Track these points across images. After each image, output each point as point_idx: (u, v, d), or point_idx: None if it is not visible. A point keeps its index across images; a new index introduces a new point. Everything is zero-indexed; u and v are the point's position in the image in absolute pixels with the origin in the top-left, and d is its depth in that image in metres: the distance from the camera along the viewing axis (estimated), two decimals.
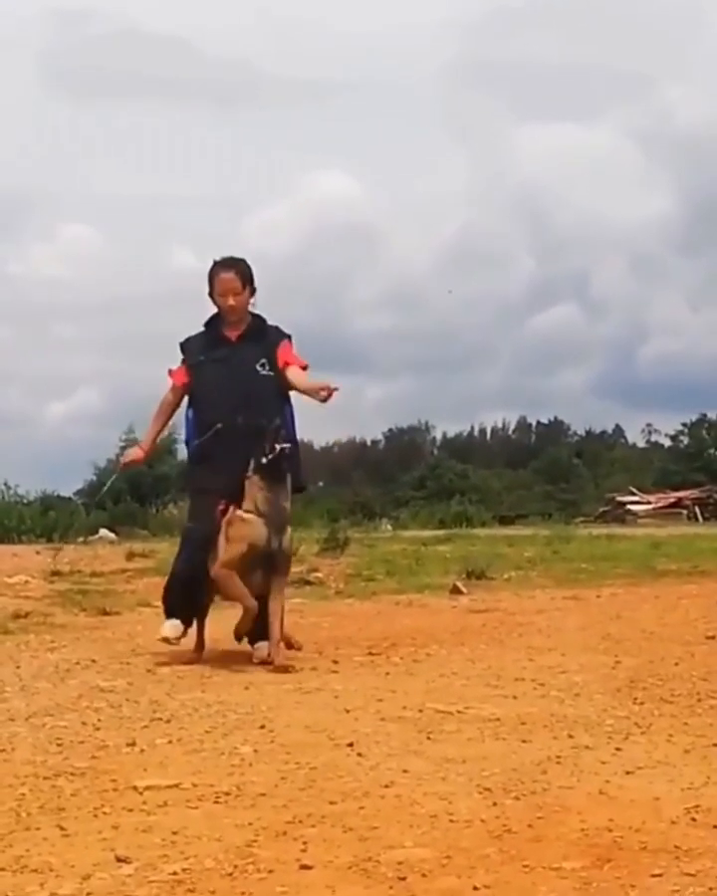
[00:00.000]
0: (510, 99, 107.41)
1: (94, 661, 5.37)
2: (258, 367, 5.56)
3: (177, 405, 5.82)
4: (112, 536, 19.62)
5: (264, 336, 5.67)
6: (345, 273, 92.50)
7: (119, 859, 2.48)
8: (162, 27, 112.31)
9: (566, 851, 2.49)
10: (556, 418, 75.22)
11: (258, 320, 5.74)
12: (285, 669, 5.04)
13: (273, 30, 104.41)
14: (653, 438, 67.48)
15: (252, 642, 5.52)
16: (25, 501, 24.74)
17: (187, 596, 5.50)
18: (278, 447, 5.22)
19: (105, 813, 2.84)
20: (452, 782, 3.08)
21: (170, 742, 3.61)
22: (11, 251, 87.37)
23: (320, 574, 10.40)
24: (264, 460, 5.23)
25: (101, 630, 6.76)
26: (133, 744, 3.58)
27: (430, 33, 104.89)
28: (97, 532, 20.15)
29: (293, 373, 5.56)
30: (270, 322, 5.76)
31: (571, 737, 3.60)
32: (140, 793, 3.00)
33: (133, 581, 9.95)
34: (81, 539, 18.58)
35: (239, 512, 5.30)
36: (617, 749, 3.44)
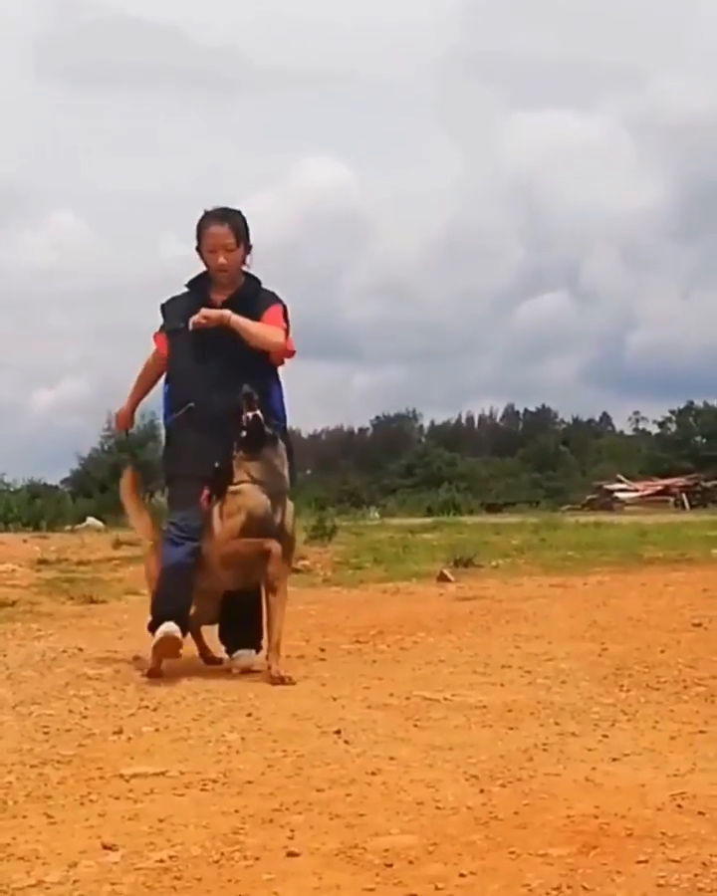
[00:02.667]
0: (503, 88, 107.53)
1: (81, 649, 5.36)
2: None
3: (160, 373, 5.09)
4: (99, 524, 19.57)
5: (254, 303, 4.91)
6: (336, 262, 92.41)
7: (105, 847, 2.48)
8: (154, 15, 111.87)
9: (552, 838, 2.49)
10: (543, 406, 75.37)
11: (252, 282, 4.99)
12: (282, 680, 4.43)
13: (265, 18, 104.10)
14: (641, 426, 67.66)
15: (230, 649, 4.96)
16: (11, 489, 24.73)
17: (184, 597, 4.74)
18: (251, 414, 4.65)
19: (91, 801, 2.84)
20: (439, 769, 3.08)
21: (157, 730, 3.61)
22: (0, 239, 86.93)
23: (307, 562, 10.41)
24: (243, 434, 4.70)
25: (87, 618, 6.76)
26: (120, 732, 3.57)
27: (424, 22, 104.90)
28: (84, 520, 20.14)
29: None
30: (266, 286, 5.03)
31: (557, 724, 3.61)
32: (127, 781, 3.00)
33: (120, 570, 9.94)
34: (68, 527, 18.57)
35: (231, 487, 4.73)
36: (604, 736, 3.45)
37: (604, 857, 2.37)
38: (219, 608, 4.99)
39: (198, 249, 4.95)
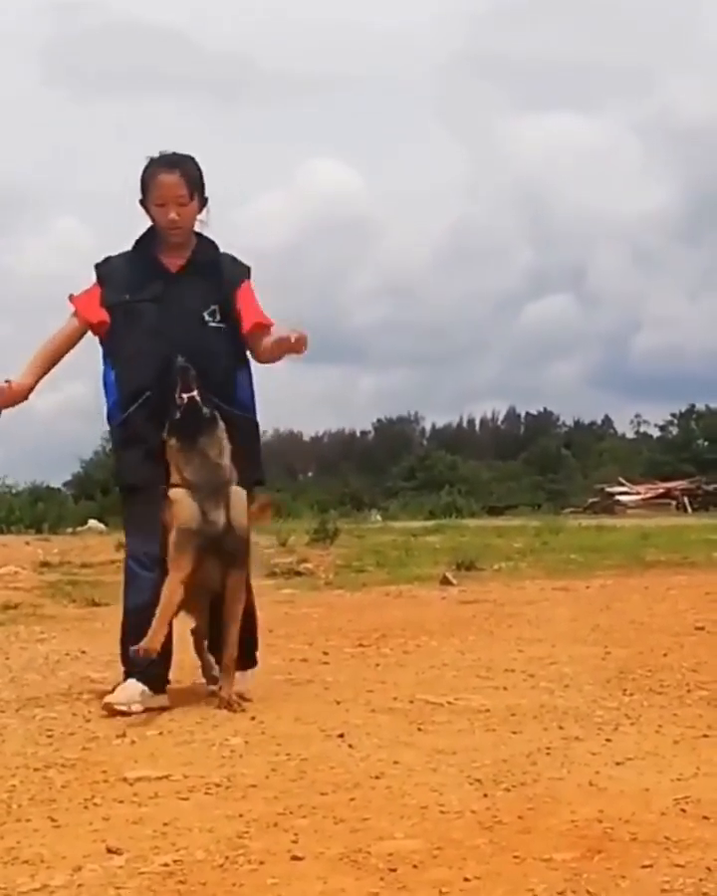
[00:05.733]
0: (509, 90, 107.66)
1: (84, 652, 5.37)
2: (206, 316, 4.15)
3: (74, 343, 4.23)
4: (101, 526, 19.60)
5: (217, 272, 4.23)
6: (340, 265, 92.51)
7: (109, 850, 2.48)
8: (159, 19, 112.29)
9: (556, 843, 2.49)
10: (545, 409, 75.30)
11: (207, 245, 4.27)
12: (230, 706, 3.93)
13: (271, 23, 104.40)
14: (642, 429, 67.55)
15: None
16: (14, 492, 24.76)
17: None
18: (187, 395, 3.96)
19: (95, 805, 2.84)
20: (443, 773, 3.08)
21: (161, 733, 3.61)
22: (5, 244, 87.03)
23: (310, 565, 10.43)
24: (176, 416, 3.98)
25: (90, 621, 6.76)
26: (124, 735, 3.58)
27: (430, 24, 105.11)
28: (86, 522, 20.17)
29: (261, 342, 4.21)
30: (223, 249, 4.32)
31: (561, 728, 3.61)
32: (131, 785, 3.00)
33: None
34: (70, 529, 18.60)
35: (168, 491, 4.04)
36: (607, 740, 3.45)
37: (609, 862, 2.37)
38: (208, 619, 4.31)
39: (143, 203, 4.23)
